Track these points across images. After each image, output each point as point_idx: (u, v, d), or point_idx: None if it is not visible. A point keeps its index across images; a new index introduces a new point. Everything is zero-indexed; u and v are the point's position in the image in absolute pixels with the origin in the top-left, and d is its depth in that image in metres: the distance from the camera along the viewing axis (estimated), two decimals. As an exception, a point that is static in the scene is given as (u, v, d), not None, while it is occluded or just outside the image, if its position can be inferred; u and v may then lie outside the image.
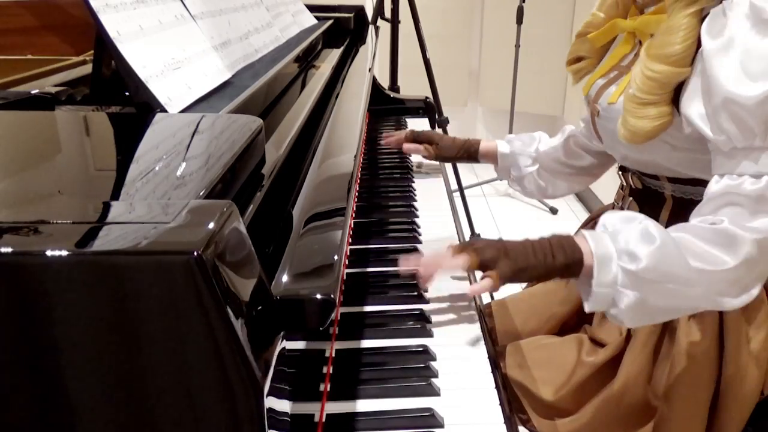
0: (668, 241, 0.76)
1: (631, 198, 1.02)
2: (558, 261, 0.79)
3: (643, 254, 0.75)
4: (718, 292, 0.77)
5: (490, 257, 0.80)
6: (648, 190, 0.98)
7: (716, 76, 0.76)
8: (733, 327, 0.91)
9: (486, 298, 1.24)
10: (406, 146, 1.33)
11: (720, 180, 0.79)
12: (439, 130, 2.18)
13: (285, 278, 0.53)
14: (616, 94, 0.93)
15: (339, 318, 0.86)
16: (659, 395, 0.93)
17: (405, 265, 0.83)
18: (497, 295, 1.13)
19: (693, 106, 0.80)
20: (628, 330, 0.97)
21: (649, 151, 0.90)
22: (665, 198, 0.95)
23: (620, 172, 1.05)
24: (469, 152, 1.30)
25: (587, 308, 0.80)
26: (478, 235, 2.73)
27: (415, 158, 1.52)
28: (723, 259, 0.75)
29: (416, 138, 1.34)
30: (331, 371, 0.76)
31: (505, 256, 0.80)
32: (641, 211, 0.99)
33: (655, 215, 0.84)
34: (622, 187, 1.05)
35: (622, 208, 1.04)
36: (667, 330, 0.94)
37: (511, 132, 3.62)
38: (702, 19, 0.80)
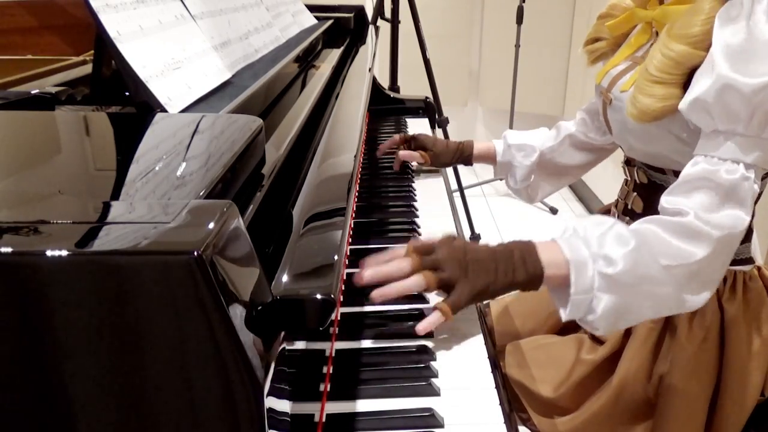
0: (641, 243, 0.76)
1: (635, 193, 1.01)
2: (518, 277, 0.76)
3: (619, 257, 0.74)
4: (684, 289, 0.77)
5: (448, 277, 0.75)
6: (653, 185, 0.97)
7: (718, 58, 0.77)
8: (734, 326, 0.91)
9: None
10: (402, 153, 1.31)
11: (698, 163, 0.79)
12: (438, 131, 2.18)
13: (285, 278, 0.53)
14: (629, 82, 0.92)
15: (339, 318, 0.86)
16: (658, 393, 0.93)
17: (361, 281, 0.76)
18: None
19: (691, 89, 0.80)
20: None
21: (657, 142, 0.90)
22: None
23: (625, 167, 1.05)
24: (463, 156, 1.29)
25: (565, 317, 0.77)
26: (478, 235, 2.73)
27: (416, 163, 1.52)
28: (691, 251, 0.76)
29: (410, 143, 1.33)
30: (331, 371, 0.76)
31: (465, 276, 0.75)
32: (645, 206, 0.99)
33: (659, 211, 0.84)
34: (626, 183, 1.05)
35: (626, 204, 1.04)
36: (667, 328, 0.94)
37: (511, 132, 3.62)
38: None
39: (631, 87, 0.90)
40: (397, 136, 1.35)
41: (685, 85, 0.83)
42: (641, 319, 0.83)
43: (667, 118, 0.85)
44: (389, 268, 0.76)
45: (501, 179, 1.35)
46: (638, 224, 0.79)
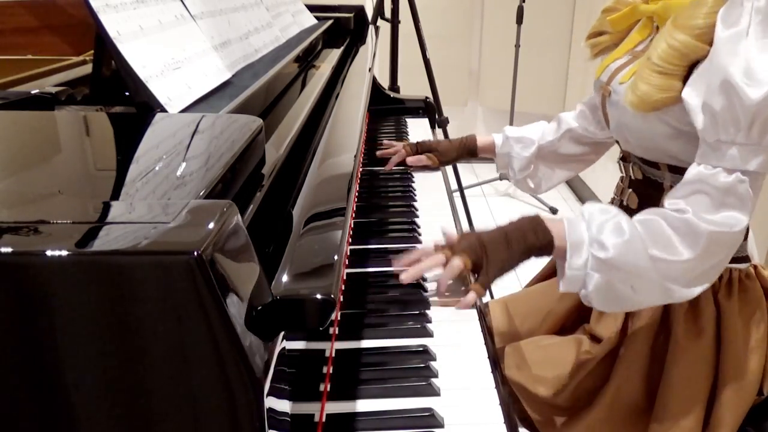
0: (635, 236, 0.82)
1: (630, 189, 1.02)
2: (529, 243, 0.86)
3: (611, 245, 0.82)
4: (671, 280, 0.82)
5: (474, 261, 0.87)
6: (648, 181, 0.98)
7: (723, 65, 0.77)
8: (731, 323, 0.91)
9: (486, 298, 1.24)
10: (411, 159, 1.36)
11: (697, 167, 0.81)
12: (438, 131, 2.18)
13: (285, 278, 0.53)
14: (628, 74, 0.93)
15: (339, 318, 0.86)
16: (656, 393, 0.93)
17: (400, 264, 0.91)
18: (496, 295, 1.13)
19: (693, 88, 0.81)
20: (624, 324, 0.97)
21: (653, 135, 0.90)
22: (664, 189, 0.95)
23: (621, 163, 1.05)
24: (469, 149, 1.34)
25: (561, 288, 0.87)
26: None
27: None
28: (680, 250, 0.80)
29: (416, 150, 1.38)
30: (331, 371, 0.76)
31: (486, 257, 0.87)
32: (640, 203, 0.99)
33: (654, 206, 0.86)
34: (621, 179, 1.06)
35: (621, 201, 1.04)
36: (664, 327, 0.94)
37: (511, 132, 3.62)
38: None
39: (631, 78, 0.90)
40: (402, 150, 1.38)
41: (686, 79, 0.83)
42: (632, 302, 0.87)
43: (664, 109, 0.85)
44: (427, 264, 0.89)
45: (502, 178, 1.38)
46: (646, 214, 0.84)
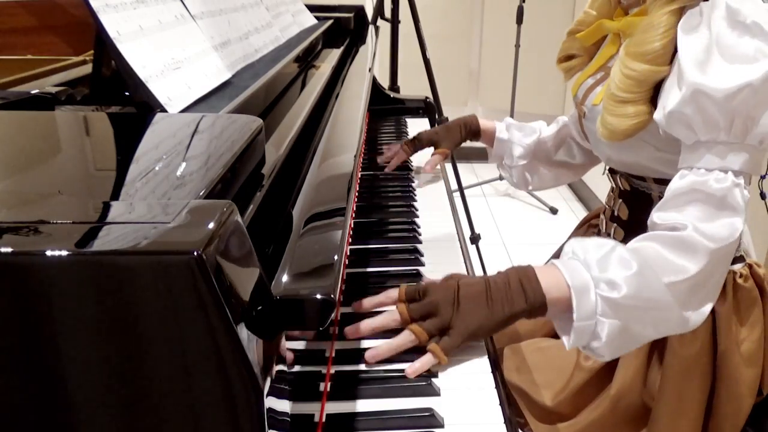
0: (644, 265, 0.73)
1: (621, 200, 1.02)
2: (518, 307, 0.73)
3: (622, 280, 0.72)
4: (686, 305, 0.76)
5: (441, 321, 0.74)
6: (636, 192, 0.98)
7: (686, 66, 0.76)
8: (725, 328, 0.91)
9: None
10: (428, 168, 1.31)
11: (686, 176, 0.78)
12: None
13: (285, 278, 0.53)
14: (600, 95, 0.93)
15: (339, 318, 0.86)
16: (654, 398, 0.93)
17: (352, 334, 0.77)
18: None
19: (663, 102, 0.80)
20: None
21: (632, 152, 0.90)
22: (653, 199, 0.95)
23: (610, 175, 1.05)
24: (472, 131, 1.31)
25: (569, 345, 0.75)
26: (478, 235, 2.73)
27: (416, 163, 1.52)
28: (686, 267, 0.74)
29: (417, 147, 1.35)
30: (331, 371, 0.76)
31: (458, 317, 0.73)
32: (631, 213, 0.99)
33: (644, 216, 0.84)
34: (612, 190, 1.06)
35: (612, 210, 1.04)
36: None
37: (511, 132, 3.62)
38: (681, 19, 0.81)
39: (601, 103, 0.90)
40: (402, 152, 1.36)
41: (653, 100, 0.83)
42: (644, 341, 0.81)
43: (641, 133, 0.84)
44: (377, 323, 0.76)
45: (502, 178, 1.36)
46: (637, 242, 0.78)
